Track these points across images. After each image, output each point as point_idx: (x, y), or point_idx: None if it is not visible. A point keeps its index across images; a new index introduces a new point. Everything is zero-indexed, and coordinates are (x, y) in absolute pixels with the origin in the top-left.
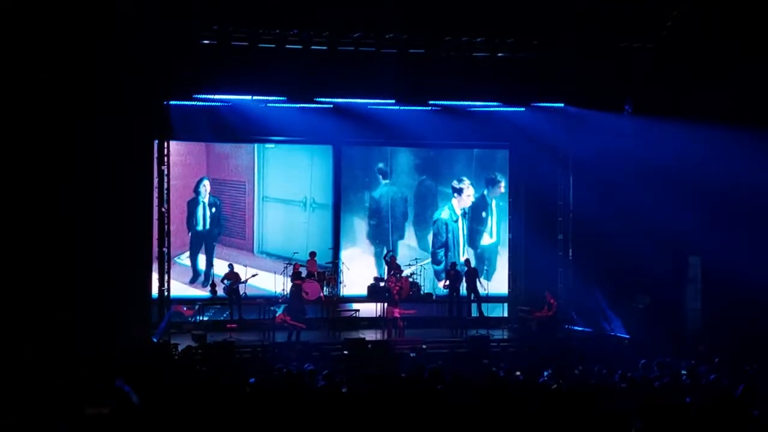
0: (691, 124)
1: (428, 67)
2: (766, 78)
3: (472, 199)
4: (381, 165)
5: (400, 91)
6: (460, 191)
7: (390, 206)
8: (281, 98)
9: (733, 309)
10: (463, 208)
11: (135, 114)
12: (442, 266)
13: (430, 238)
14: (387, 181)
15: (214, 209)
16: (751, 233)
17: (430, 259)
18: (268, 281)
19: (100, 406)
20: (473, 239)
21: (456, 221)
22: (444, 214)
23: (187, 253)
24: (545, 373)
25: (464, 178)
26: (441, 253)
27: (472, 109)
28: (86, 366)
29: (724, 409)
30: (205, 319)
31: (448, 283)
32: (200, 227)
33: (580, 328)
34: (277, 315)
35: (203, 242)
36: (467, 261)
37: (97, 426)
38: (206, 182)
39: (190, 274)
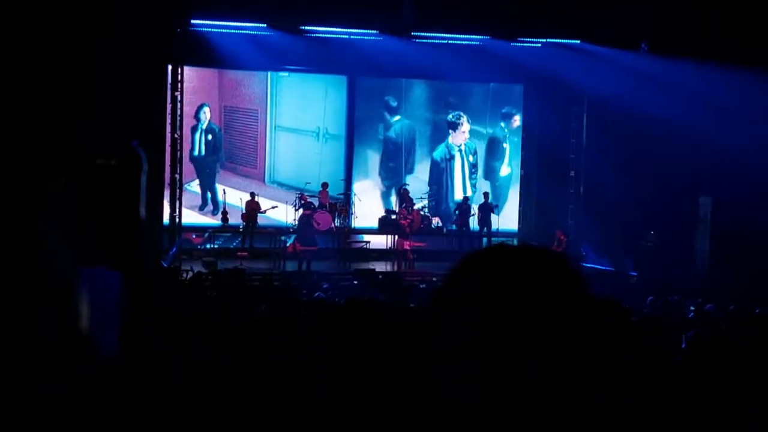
0: (707, 65)
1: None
2: None
3: (466, 136)
4: (388, 99)
5: (413, 25)
6: (455, 126)
7: (402, 140)
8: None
9: (743, 250)
10: (459, 145)
11: (148, 37)
12: (435, 206)
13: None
14: (397, 117)
15: (210, 136)
16: (762, 175)
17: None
18: (280, 212)
19: (109, 158)
20: (490, 172)
21: (450, 159)
22: (438, 152)
23: (197, 181)
24: None
25: (460, 113)
26: (433, 191)
27: (487, 44)
28: None
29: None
30: (216, 246)
31: (457, 217)
32: (195, 153)
33: (590, 265)
34: (287, 245)
35: (201, 170)
36: (485, 194)
37: (104, 177)
38: (206, 109)
39: (200, 201)
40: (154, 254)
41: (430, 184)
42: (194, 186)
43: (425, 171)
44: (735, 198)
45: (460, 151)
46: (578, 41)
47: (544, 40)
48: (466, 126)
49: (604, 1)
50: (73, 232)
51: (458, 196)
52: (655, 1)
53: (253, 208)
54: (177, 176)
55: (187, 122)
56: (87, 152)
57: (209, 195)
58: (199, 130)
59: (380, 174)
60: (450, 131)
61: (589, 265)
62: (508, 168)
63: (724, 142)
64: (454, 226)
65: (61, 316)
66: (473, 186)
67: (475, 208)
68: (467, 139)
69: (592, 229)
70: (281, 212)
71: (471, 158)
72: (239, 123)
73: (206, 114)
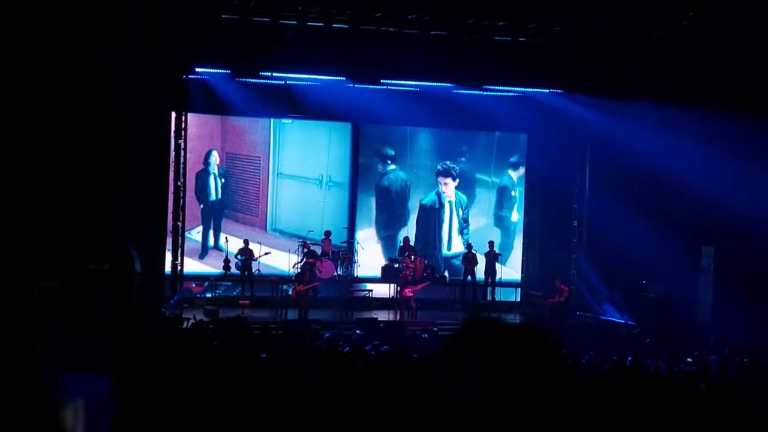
0: (710, 115)
1: (449, 50)
2: None
3: (452, 189)
4: (386, 149)
5: (420, 72)
6: (445, 174)
7: (394, 191)
8: (301, 76)
9: (746, 301)
10: (449, 197)
11: (155, 85)
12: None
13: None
14: (393, 166)
15: (224, 180)
16: (764, 224)
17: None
18: (282, 260)
19: (101, 262)
20: (500, 220)
21: (440, 208)
22: (428, 199)
23: (198, 228)
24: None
25: (448, 163)
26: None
27: (492, 93)
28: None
29: (729, 398)
30: (217, 294)
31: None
32: (213, 198)
33: (592, 315)
34: (290, 293)
35: (214, 215)
36: (490, 243)
37: (96, 281)
38: (215, 153)
39: (200, 250)
40: (156, 303)
41: (417, 233)
42: (194, 234)
43: None
44: (738, 247)
45: (450, 202)
46: (582, 93)
47: (549, 90)
48: (450, 182)
49: (611, 54)
50: (66, 337)
51: (455, 248)
52: (659, 51)
53: (246, 256)
54: (179, 224)
55: (197, 169)
56: (79, 256)
57: (214, 242)
58: (212, 175)
59: (377, 223)
60: (439, 178)
61: (590, 315)
62: (518, 215)
63: (727, 192)
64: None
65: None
66: (465, 241)
67: (480, 257)
68: (455, 193)
69: (595, 278)
70: (282, 260)
71: (461, 212)
72: (241, 170)
73: (215, 158)
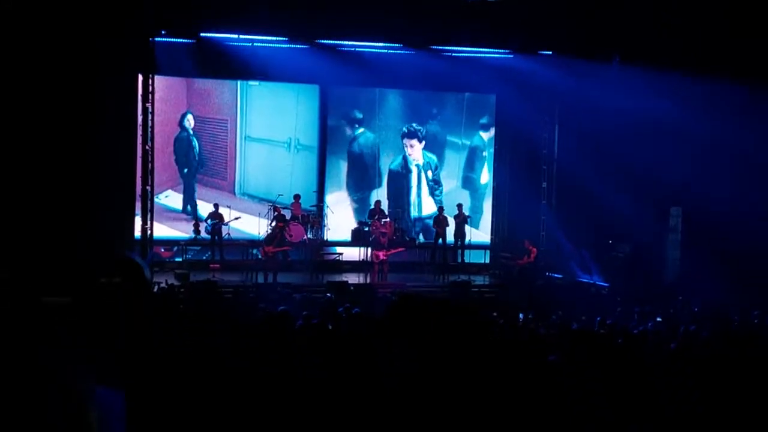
0: (677, 76)
1: (418, 11)
2: (755, 31)
3: (419, 151)
4: (354, 111)
5: (389, 34)
6: (411, 136)
7: (368, 153)
8: (274, 38)
9: (713, 259)
10: (416, 160)
11: (121, 47)
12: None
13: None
14: (361, 129)
15: (197, 143)
16: (731, 185)
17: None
18: (251, 224)
19: (112, 275)
20: (468, 182)
21: (408, 173)
22: (395, 163)
23: (166, 192)
24: (521, 317)
25: (414, 125)
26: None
27: (460, 54)
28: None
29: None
30: (187, 258)
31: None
32: (194, 161)
33: (561, 276)
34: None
35: (191, 179)
36: (459, 206)
37: (109, 296)
38: (190, 116)
39: (170, 214)
40: None
41: (388, 196)
42: (162, 198)
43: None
44: (705, 207)
45: (417, 166)
46: (550, 52)
47: (517, 51)
48: (417, 143)
49: (577, 13)
50: (82, 348)
51: (427, 210)
52: (627, 12)
53: (216, 220)
54: (148, 188)
55: (165, 132)
56: (89, 271)
57: (189, 206)
58: (190, 137)
59: (348, 186)
60: (405, 140)
61: (559, 276)
62: (488, 176)
63: (695, 151)
64: (422, 238)
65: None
66: (437, 202)
67: (450, 220)
68: (423, 155)
69: (564, 239)
70: (252, 224)
71: (431, 174)
72: (209, 133)
73: (190, 122)
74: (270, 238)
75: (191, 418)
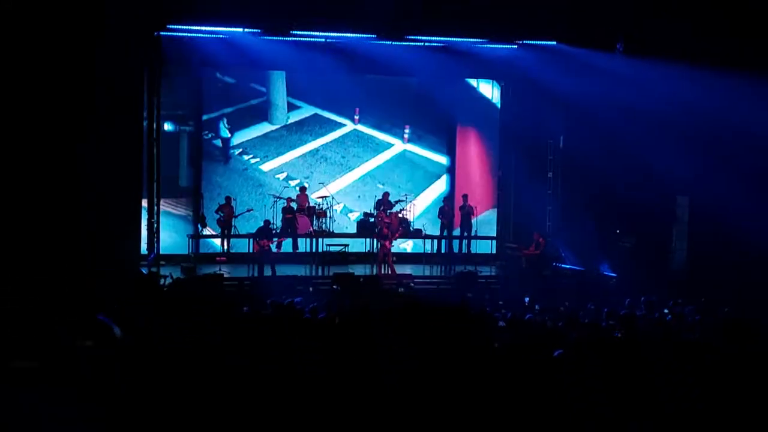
0: (682, 65)
1: (420, 3)
2: (758, 20)
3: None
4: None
5: (389, 27)
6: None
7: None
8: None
9: (719, 249)
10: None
11: (128, 42)
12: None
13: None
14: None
15: None
16: (738, 175)
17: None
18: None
19: (83, 339)
20: None
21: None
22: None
23: None
24: (534, 307)
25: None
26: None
27: (464, 45)
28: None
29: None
30: (194, 251)
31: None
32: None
33: (568, 266)
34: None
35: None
36: (465, 197)
37: (81, 359)
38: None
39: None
40: (134, 261)
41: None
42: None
43: None
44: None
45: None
46: (554, 42)
47: (521, 42)
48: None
49: (579, 3)
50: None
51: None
52: (629, 2)
53: (228, 213)
54: (155, 181)
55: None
56: (60, 336)
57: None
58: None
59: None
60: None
61: (566, 266)
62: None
63: (701, 141)
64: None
65: None
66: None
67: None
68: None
69: (570, 229)
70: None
71: None
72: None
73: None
74: (260, 232)
75: (193, 415)
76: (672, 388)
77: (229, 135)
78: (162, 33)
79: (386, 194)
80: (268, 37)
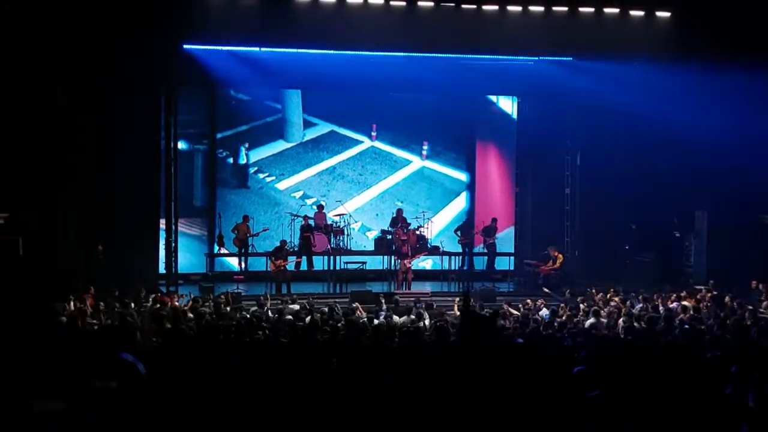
0: (700, 80)
1: (438, 20)
2: None
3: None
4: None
5: (409, 43)
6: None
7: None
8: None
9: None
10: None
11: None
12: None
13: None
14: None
15: None
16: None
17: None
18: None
19: (107, 380)
20: None
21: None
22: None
23: None
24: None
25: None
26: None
27: (482, 61)
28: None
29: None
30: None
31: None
32: None
33: (586, 281)
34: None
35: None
36: (494, 220)
37: (105, 400)
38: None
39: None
40: (153, 281)
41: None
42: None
43: None
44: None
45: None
46: (570, 58)
47: (537, 58)
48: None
49: (596, 18)
50: None
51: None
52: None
53: (244, 232)
54: (173, 203)
55: None
56: (83, 376)
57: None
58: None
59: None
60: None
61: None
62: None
63: (720, 156)
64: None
65: None
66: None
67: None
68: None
69: (588, 245)
70: (277, 235)
71: None
72: None
73: None
74: (278, 251)
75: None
76: (672, 389)
77: (246, 161)
78: (178, 51)
79: (400, 211)
80: (280, 50)
